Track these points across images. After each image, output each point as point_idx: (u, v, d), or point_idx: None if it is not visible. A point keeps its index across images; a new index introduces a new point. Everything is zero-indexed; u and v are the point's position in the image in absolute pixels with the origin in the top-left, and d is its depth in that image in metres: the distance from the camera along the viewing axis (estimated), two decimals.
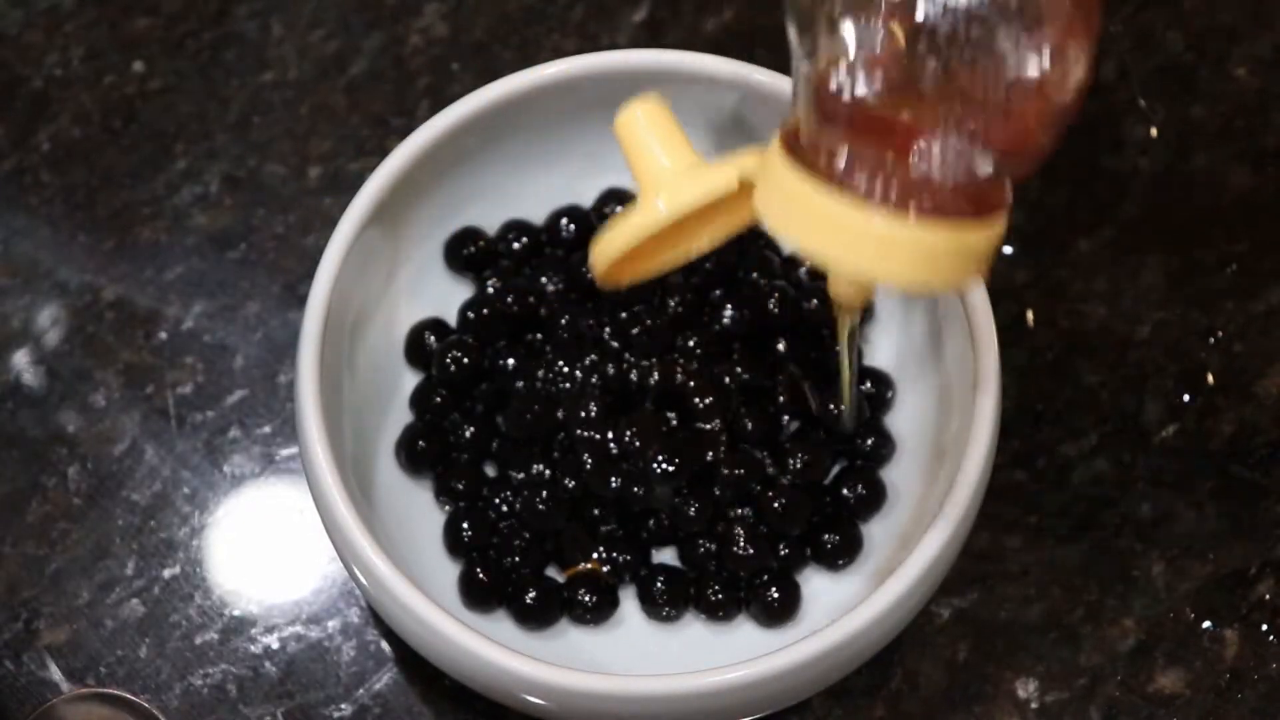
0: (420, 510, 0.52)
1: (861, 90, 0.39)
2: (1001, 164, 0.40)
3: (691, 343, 0.52)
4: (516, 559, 0.51)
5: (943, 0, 0.38)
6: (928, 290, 0.46)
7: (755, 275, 0.53)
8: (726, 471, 0.51)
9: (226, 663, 0.53)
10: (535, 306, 0.53)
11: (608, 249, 0.46)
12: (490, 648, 0.45)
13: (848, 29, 0.39)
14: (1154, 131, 0.60)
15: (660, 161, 0.46)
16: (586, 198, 0.55)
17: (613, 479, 0.50)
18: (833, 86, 0.40)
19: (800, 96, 0.41)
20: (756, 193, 0.42)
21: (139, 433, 0.56)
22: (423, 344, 0.53)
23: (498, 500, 0.52)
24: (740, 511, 0.51)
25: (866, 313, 0.54)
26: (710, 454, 0.51)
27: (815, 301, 0.53)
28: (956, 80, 0.39)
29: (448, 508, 0.52)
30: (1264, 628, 0.53)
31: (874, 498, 0.52)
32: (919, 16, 0.39)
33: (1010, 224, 0.59)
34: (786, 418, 0.52)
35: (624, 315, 0.52)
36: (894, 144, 0.39)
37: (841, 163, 0.40)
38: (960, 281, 0.42)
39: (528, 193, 0.55)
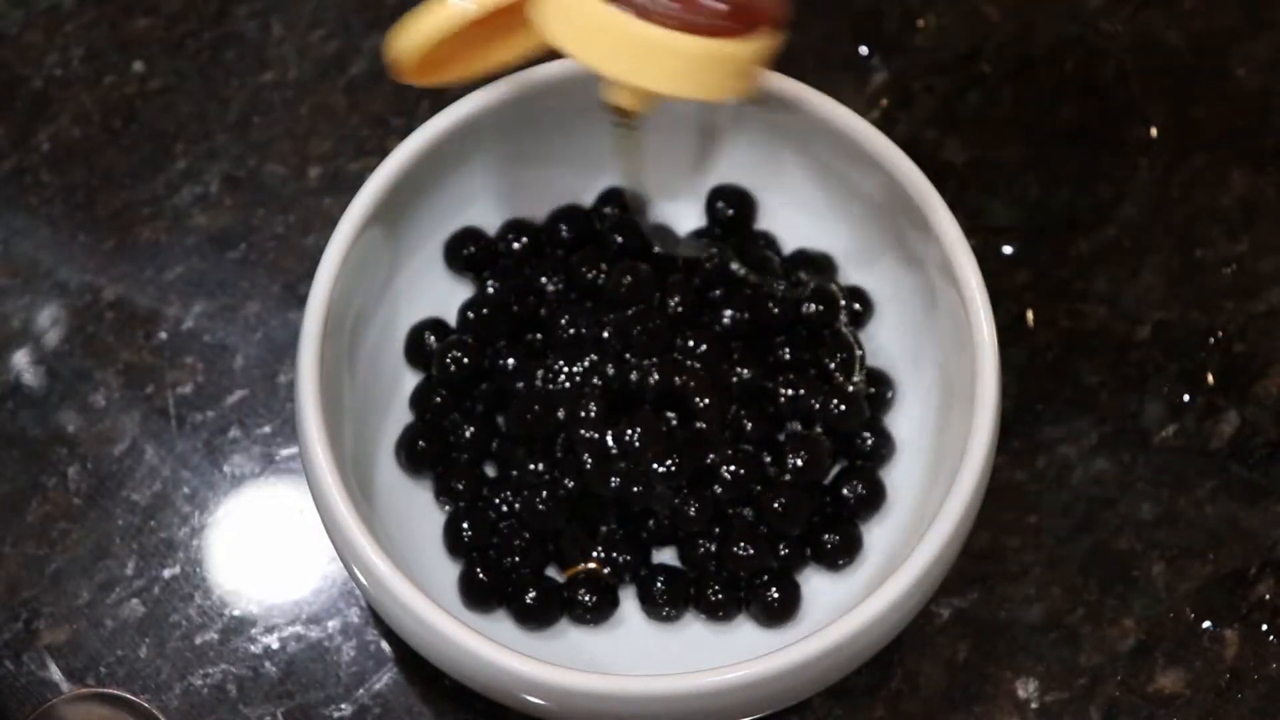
0: (420, 510, 0.52)
1: None
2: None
3: (691, 343, 0.52)
4: (516, 559, 0.51)
5: None
6: (696, 98, 0.46)
7: (755, 275, 0.53)
8: (726, 471, 0.51)
9: (226, 663, 0.53)
10: (535, 306, 0.53)
11: (407, 44, 0.46)
12: (490, 648, 0.45)
13: None
14: (1154, 131, 0.60)
15: None
16: (586, 198, 0.55)
17: (613, 479, 0.50)
18: None
19: None
20: (536, 3, 0.44)
21: (139, 433, 0.56)
22: (423, 344, 0.53)
23: (498, 500, 0.52)
24: (740, 511, 0.51)
25: (866, 310, 0.54)
26: (710, 454, 0.51)
27: (815, 304, 0.53)
28: None
29: (448, 508, 0.52)
30: (1264, 628, 0.53)
31: (874, 498, 0.52)
32: None
33: (1010, 224, 0.59)
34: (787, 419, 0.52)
35: (624, 315, 0.52)
36: None
37: None
38: (727, 92, 0.44)
39: (528, 193, 0.55)
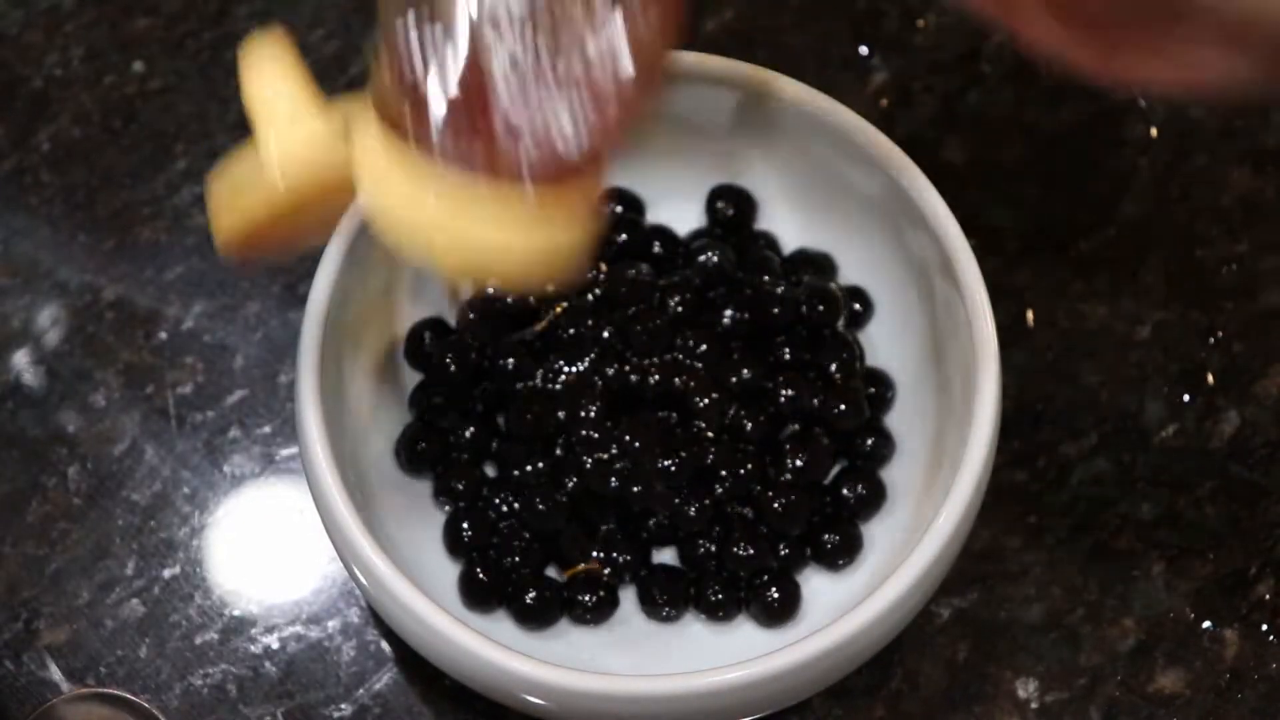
0: (420, 510, 0.52)
1: (431, 85, 0.39)
2: (581, 154, 0.40)
3: (691, 343, 0.52)
4: (516, 559, 0.51)
5: None
6: (518, 278, 0.43)
7: (755, 275, 0.53)
8: (726, 471, 0.51)
9: (226, 663, 0.53)
10: (535, 306, 0.53)
11: (227, 224, 0.43)
12: (490, 648, 0.45)
13: (412, 24, 0.39)
14: (1154, 131, 0.60)
15: (286, 129, 0.43)
16: None
17: (613, 479, 0.50)
18: (406, 76, 0.39)
19: (384, 67, 0.40)
20: (359, 168, 0.41)
21: (139, 433, 0.56)
22: (423, 344, 0.53)
23: (498, 500, 0.52)
24: (740, 511, 0.51)
25: (866, 310, 0.54)
26: (710, 454, 0.51)
27: (816, 303, 0.53)
28: (532, 64, 0.39)
29: (448, 508, 0.52)
30: (1264, 628, 0.53)
31: (874, 498, 0.52)
32: (478, 12, 0.39)
33: (1010, 224, 0.59)
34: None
35: (624, 315, 0.52)
36: (474, 126, 0.39)
37: (424, 135, 0.39)
38: (545, 276, 0.41)
39: None
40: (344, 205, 0.45)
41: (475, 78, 0.39)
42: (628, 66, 0.39)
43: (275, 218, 0.43)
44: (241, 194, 0.42)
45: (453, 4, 0.39)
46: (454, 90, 0.39)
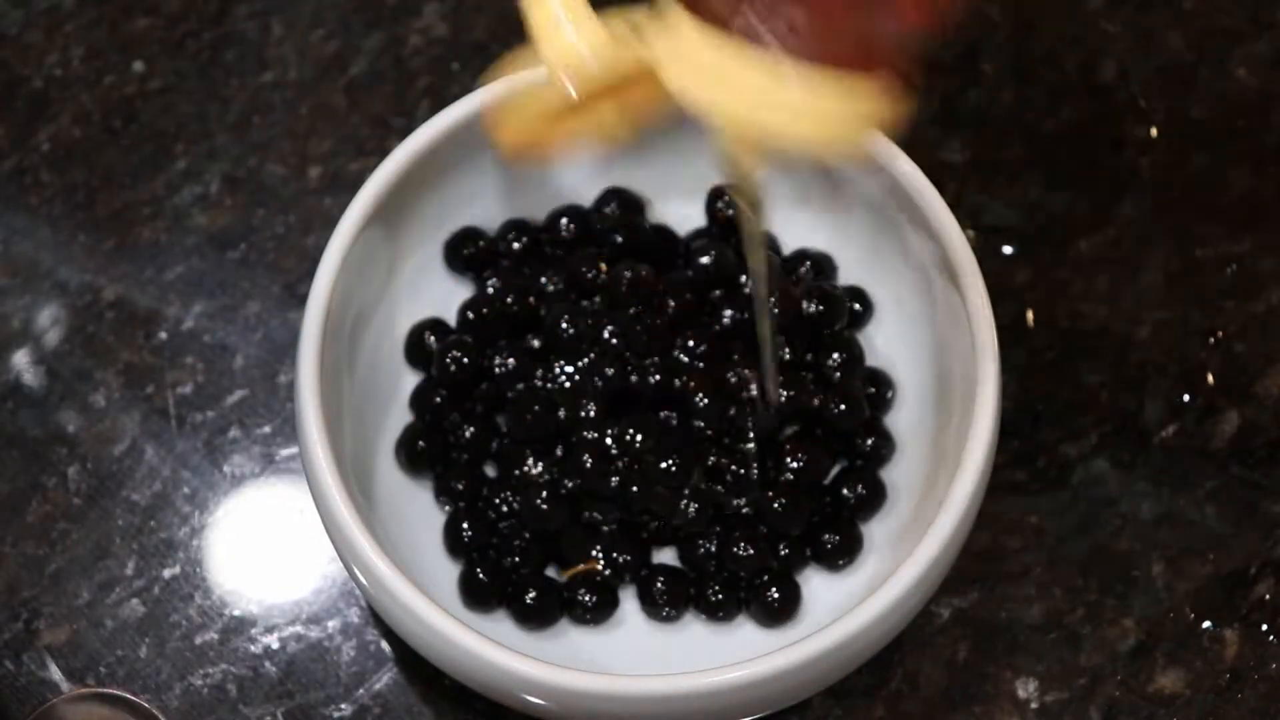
0: (420, 510, 0.52)
1: None
2: (899, 16, 0.40)
3: (691, 343, 0.52)
4: (516, 559, 0.51)
5: None
6: (822, 146, 0.43)
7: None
8: (727, 471, 0.51)
9: (226, 663, 0.53)
10: (535, 306, 0.53)
11: (512, 126, 0.45)
12: (490, 648, 0.45)
13: None
14: (1154, 131, 0.60)
15: (568, 35, 0.44)
16: (586, 198, 0.55)
17: (613, 479, 0.50)
18: None
19: None
20: (655, 48, 0.42)
21: (139, 433, 0.56)
22: (423, 344, 0.53)
23: (498, 500, 0.52)
24: (740, 511, 0.51)
25: (866, 310, 0.54)
26: (710, 454, 0.51)
27: (815, 302, 0.53)
28: None
29: (448, 508, 0.52)
30: (1264, 628, 0.53)
31: (874, 498, 0.52)
32: None
33: (1010, 224, 0.59)
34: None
35: (624, 315, 0.52)
36: (785, 10, 0.40)
37: (737, 13, 0.40)
38: (850, 138, 0.42)
39: (528, 193, 0.55)
40: (621, 108, 0.46)
41: None
42: None
43: (556, 121, 0.45)
44: (524, 101, 0.44)
45: None
46: None
